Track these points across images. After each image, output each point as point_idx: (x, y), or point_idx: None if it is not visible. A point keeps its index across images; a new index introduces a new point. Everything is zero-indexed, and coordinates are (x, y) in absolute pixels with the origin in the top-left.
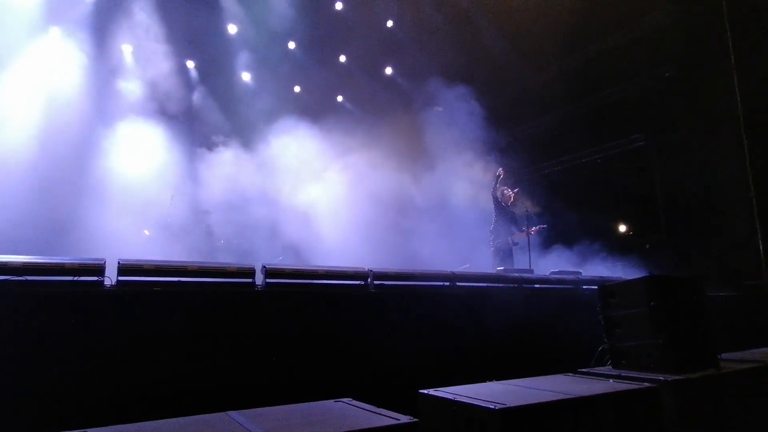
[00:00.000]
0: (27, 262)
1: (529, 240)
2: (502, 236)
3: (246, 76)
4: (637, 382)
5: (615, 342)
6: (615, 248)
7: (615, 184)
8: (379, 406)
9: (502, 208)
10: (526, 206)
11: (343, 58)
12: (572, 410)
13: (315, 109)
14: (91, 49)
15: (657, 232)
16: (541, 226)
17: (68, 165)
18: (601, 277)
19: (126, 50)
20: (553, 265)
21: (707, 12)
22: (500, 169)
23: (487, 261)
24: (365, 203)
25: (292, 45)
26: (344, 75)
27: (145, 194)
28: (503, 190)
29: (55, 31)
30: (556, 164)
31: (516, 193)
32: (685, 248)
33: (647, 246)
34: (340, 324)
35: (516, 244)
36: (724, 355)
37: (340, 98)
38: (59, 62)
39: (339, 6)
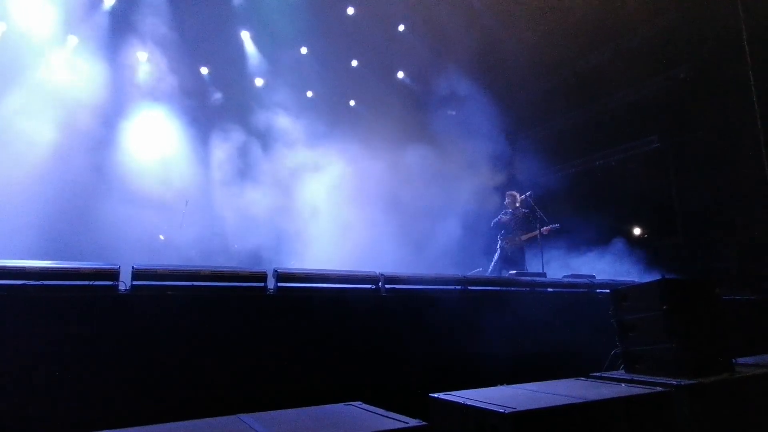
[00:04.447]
0: (44, 267)
1: (540, 243)
2: (510, 238)
3: (259, 82)
4: (650, 387)
5: (628, 346)
6: (630, 251)
7: (630, 186)
8: (389, 410)
9: (509, 211)
10: (537, 208)
11: (355, 63)
12: (584, 415)
13: (328, 114)
14: (107, 56)
15: (673, 234)
16: (553, 225)
17: (85, 170)
18: (614, 280)
19: (141, 57)
20: (566, 268)
21: (721, 10)
22: (515, 195)
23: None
24: (377, 207)
25: (304, 50)
26: (356, 79)
27: (160, 199)
28: (509, 194)
29: (73, 40)
30: (570, 167)
31: (518, 196)
32: (701, 251)
33: (662, 249)
34: (351, 328)
35: (526, 243)
36: (739, 360)
37: (352, 103)
38: (76, 69)
39: (351, 11)
